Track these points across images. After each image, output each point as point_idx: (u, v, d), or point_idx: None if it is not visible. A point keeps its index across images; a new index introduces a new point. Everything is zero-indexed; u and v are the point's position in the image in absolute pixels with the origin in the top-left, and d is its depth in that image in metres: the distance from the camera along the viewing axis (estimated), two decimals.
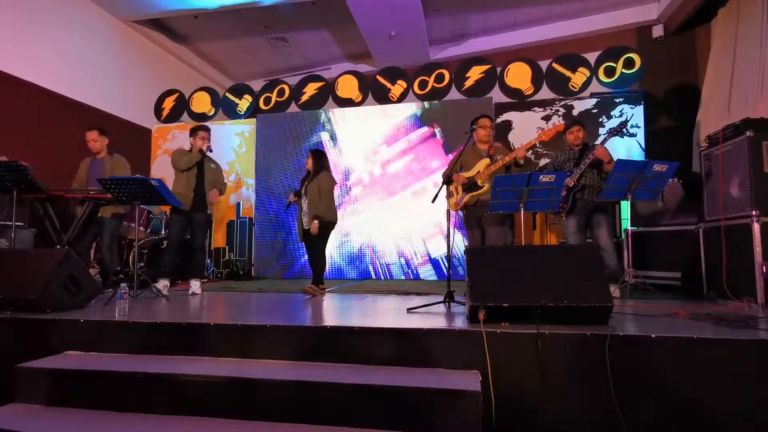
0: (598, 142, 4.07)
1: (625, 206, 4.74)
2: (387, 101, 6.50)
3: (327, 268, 4.34)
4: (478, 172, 3.82)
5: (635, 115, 5.75)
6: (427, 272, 6.08)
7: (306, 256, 4.45)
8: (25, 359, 2.38)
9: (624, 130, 3.84)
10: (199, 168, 4.20)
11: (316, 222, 3.98)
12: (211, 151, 4.24)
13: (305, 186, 4.19)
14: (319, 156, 4.26)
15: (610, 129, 3.90)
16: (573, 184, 3.78)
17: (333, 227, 4.20)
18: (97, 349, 2.58)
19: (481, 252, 2.96)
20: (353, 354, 2.33)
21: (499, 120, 6.10)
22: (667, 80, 6.87)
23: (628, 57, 5.80)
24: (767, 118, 3.31)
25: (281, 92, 6.95)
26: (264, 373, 2.16)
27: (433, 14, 7.35)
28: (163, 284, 4.00)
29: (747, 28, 5.53)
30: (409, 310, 2.98)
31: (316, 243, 4.12)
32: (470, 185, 3.84)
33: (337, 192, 4.56)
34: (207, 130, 4.28)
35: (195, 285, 4.16)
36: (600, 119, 5.84)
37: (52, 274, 2.92)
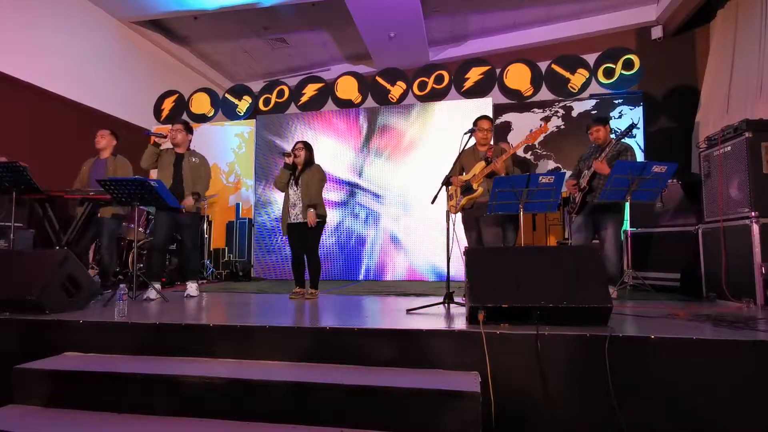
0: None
1: (625, 207, 4.75)
2: (387, 102, 6.50)
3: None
4: (474, 175, 3.82)
5: (634, 116, 5.76)
6: (426, 273, 6.09)
7: (289, 253, 4.11)
8: (24, 360, 2.38)
9: (631, 132, 3.80)
10: (176, 166, 4.05)
11: (313, 211, 3.78)
12: (163, 136, 4.05)
13: (296, 176, 3.94)
14: (311, 148, 4.07)
15: (617, 132, 3.87)
16: (584, 186, 3.78)
17: (325, 223, 4.01)
18: (97, 350, 2.58)
19: (480, 253, 2.96)
20: (353, 355, 2.33)
21: (498, 121, 6.11)
22: (666, 81, 6.88)
23: (627, 58, 5.81)
24: (766, 119, 3.31)
25: (281, 93, 6.95)
26: (263, 374, 2.16)
27: (433, 15, 7.36)
28: (154, 289, 3.83)
29: (745, 30, 5.54)
30: (408, 311, 2.98)
31: (312, 242, 3.89)
32: (466, 188, 3.85)
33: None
34: (181, 123, 4.18)
35: (191, 287, 4.07)
36: None
37: (52, 275, 2.91)
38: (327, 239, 6.30)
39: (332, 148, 6.58)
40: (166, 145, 4.11)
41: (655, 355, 2.06)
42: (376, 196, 6.38)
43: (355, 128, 6.56)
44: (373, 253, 6.29)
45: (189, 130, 4.18)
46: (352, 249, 6.37)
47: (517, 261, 2.54)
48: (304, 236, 3.90)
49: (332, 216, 6.15)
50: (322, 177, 3.98)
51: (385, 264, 6.24)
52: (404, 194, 6.27)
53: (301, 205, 3.89)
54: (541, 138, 3.78)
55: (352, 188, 6.48)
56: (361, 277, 6.27)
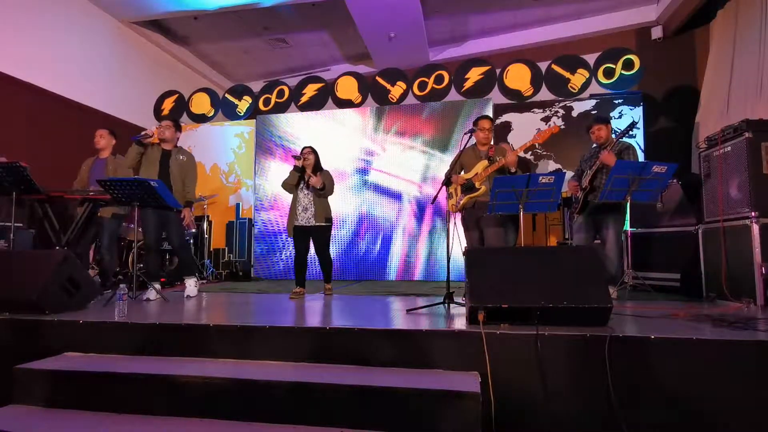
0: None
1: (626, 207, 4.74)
2: (387, 102, 6.50)
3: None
4: (477, 173, 3.82)
5: (634, 116, 5.75)
6: (426, 273, 6.09)
7: (290, 253, 4.31)
8: (24, 360, 2.38)
9: (632, 131, 3.79)
10: (162, 163, 3.98)
11: (317, 178, 3.94)
12: (149, 136, 3.90)
13: (308, 181, 4.00)
14: (317, 153, 4.13)
15: (618, 132, 3.87)
16: (585, 185, 3.78)
17: (332, 225, 4.17)
18: (97, 351, 2.58)
19: (480, 253, 2.96)
20: (353, 355, 2.33)
21: (498, 121, 6.10)
22: (666, 82, 6.88)
23: (627, 58, 5.81)
24: (766, 119, 3.31)
25: (281, 93, 6.95)
26: (264, 374, 2.16)
27: (433, 15, 7.36)
28: (154, 290, 3.82)
29: (745, 30, 5.54)
30: (408, 311, 2.98)
31: (325, 244, 4.09)
32: (468, 187, 3.84)
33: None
34: (170, 120, 4.13)
35: (190, 285, 4.05)
36: None
37: (51, 275, 2.91)
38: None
39: (340, 144, 6.54)
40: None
41: (655, 356, 2.06)
42: (381, 191, 6.38)
43: (365, 121, 6.54)
44: (375, 254, 6.29)
45: (178, 128, 4.14)
46: (355, 249, 6.37)
47: (517, 261, 2.54)
48: (314, 238, 4.05)
49: (336, 214, 6.14)
50: (333, 184, 4.15)
51: (387, 265, 6.24)
52: (408, 193, 6.28)
53: (313, 209, 4.01)
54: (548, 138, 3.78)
55: (359, 182, 6.47)
56: (368, 276, 6.28)
